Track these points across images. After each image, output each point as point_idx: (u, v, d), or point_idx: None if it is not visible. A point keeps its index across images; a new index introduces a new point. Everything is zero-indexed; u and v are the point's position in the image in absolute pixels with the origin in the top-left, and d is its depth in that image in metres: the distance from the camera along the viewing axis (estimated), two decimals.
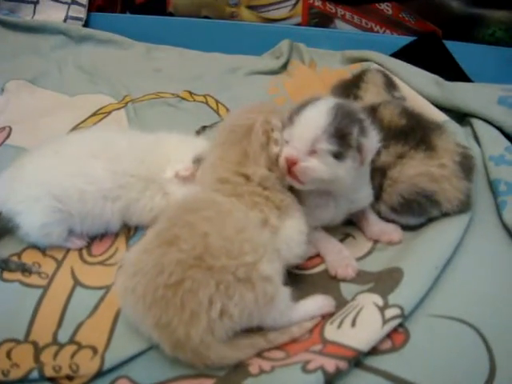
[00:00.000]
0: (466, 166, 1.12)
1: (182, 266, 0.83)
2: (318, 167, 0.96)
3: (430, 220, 1.14)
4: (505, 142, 1.36)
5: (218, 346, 0.85)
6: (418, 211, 1.11)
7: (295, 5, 2.02)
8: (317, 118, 0.96)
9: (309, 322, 0.94)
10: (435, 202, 1.09)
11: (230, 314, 0.84)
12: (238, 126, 1.01)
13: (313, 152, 0.96)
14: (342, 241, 1.15)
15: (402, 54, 1.80)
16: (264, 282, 0.86)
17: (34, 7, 2.21)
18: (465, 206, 1.11)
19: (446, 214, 1.12)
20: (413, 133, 1.12)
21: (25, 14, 2.21)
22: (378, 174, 1.11)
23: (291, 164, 0.96)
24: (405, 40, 1.90)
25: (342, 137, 0.95)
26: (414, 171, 1.09)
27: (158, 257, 0.85)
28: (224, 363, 0.87)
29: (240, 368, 0.88)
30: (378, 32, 1.98)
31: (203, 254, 0.84)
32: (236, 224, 0.88)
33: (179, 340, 0.84)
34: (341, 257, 1.07)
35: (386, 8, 1.92)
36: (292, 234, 0.97)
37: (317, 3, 1.99)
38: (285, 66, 1.91)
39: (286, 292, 0.92)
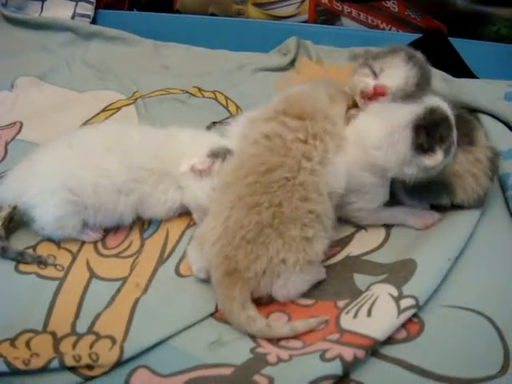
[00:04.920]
0: (494, 164, 1.15)
1: (259, 226, 0.96)
2: None
3: (443, 209, 1.17)
4: None
5: (253, 309, 0.94)
6: (428, 196, 1.15)
7: (302, 2, 2.03)
8: (413, 73, 1.10)
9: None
10: (451, 192, 1.12)
11: (285, 262, 0.96)
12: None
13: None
14: (353, 234, 1.17)
15: None
16: (315, 254, 0.99)
17: (42, 4, 2.21)
18: (479, 203, 1.14)
19: (456, 206, 1.14)
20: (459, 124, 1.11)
21: (32, 11, 2.21)
22: None
23: (380, 93, 1.09)
24: (411, 37, 1.91)
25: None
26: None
27: (240, 217, 0.97)
28: (244, 324, 0.93)
29: (258, 357, 0.89)
30: (384, 29, 1.99)
31: (277, 222, 0.96)
32: (301, 192, 0.98)
33: (236, 270, 0.95)
34: (418, 213, 1.16)
35: (392, 5, 1.93)
36: (341, 168, 1.05)
37: (323, 1, 2.00)
38: (292, 63, 1.92)
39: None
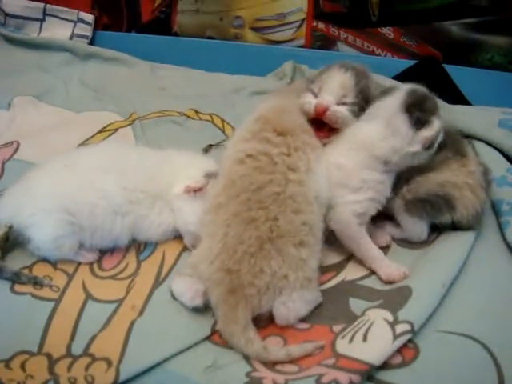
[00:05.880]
0: (486, 177, 1.20)
1: (259, 240, 0.98)
2: (347, 113, 1.13)
3: (438, 232, 1.20)
4: (506, 163, 1.40)
5: (254, 332, 0.95)
6: (429, 212, 1.15)
7: (299, 27, 2.06)
8: (347, 77, 1.14)
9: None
10: (452, 207, 1.14)
11: (287, 277, 0.98)
12: None
13: (340, 104, 1.13)
14: (348, 258, 1.17)
15: (402, 77, 1.83)
16: (312, 270, 1.02)
17: (40, 24, 2.22)
18: (477, 220, 1.17)
19: (454, 227, 1.17)
20: (449, 140, 1.18)
21: (31, 31, 2.22)
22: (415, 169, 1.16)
23: (322, 111, 1.12)
24: (405, 63, 1.93)
25: (365, 95, 1.15)
26: (444, 177, 1.15)
27: (238, 232, 1.00)
28: (243, 346, 0.94)
29: (253, 381, 0.89)
30: (379, 55, 2.02)
31: (276, 237, 0.99)
32: (293, 205, 1.02)
33: (240, 286, 0.96)
34: (389, 263, 1.12)
35: (388, 32, 1.96)
36: (322, 175, 1.11)
37: (320, 26, 2.03)
38: None
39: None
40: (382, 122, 1.11)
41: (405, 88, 1.14)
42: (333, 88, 1.14)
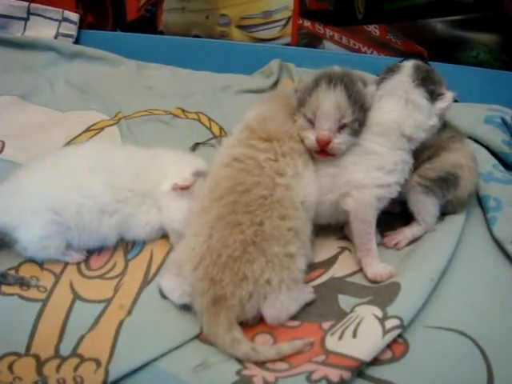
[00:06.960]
0: (476, 164, 1.24)
1: (244, 244, 0.97)
2: (349, 139, 1.10)
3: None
4: (492, 159, 1.42)
5: (239, 332, 0.95)
6: (445, 188, 1.17)
7: (285, 25, 2.06)
8: (338, 94, 1.07)
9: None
10: (457, 184, 1.18)
11: (270, 282, 0.97)
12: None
13: (340, 127, 1.08)
14: (338, 254, 1.18)
15: None
16: (298, 270, 1.02)
17: (25, 24, 2.20)
18: (468, 200, 1.22)
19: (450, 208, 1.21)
20: (447, 122, 1.22)
21: (15, 31, 2.20)
22: (434, 149, 1.18)
23: (325, 143, 1.07)
24: (392, 60, 1.91)
25: (361, 105, 1.09)
26: (454, 159, 1.18)
27: (223, 236, 0.99)
28: (229, 347, 0.93)
29: (244, 380, 0.89)
30: (365, 53, 2.02)
31: (259, 240, 0.98)
32: (280, 210, 1.02)
33: (222, 297, 0.95)
34: (378, 262, 1.11)
35: (374, 30, 1.96)
36: (310, 180, 1.10)
37: (306, 24, 2.03)
38: (275, 85, 1.94)
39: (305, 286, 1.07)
40: (401, 101, 1.11)
41: (409, 64, 1.15)
42: (328, 113, 1.07)
